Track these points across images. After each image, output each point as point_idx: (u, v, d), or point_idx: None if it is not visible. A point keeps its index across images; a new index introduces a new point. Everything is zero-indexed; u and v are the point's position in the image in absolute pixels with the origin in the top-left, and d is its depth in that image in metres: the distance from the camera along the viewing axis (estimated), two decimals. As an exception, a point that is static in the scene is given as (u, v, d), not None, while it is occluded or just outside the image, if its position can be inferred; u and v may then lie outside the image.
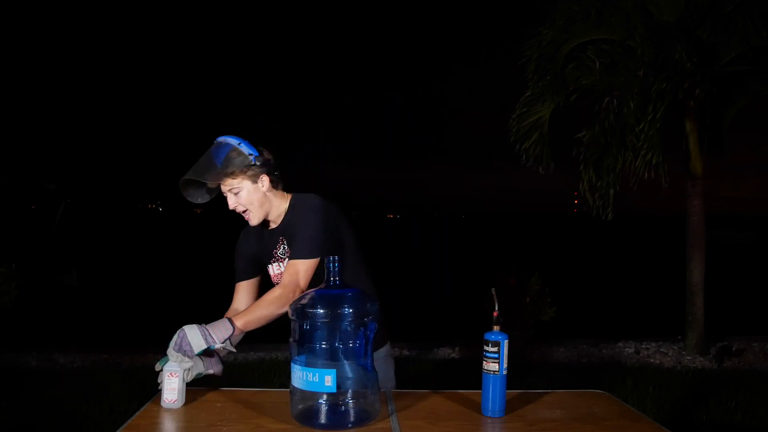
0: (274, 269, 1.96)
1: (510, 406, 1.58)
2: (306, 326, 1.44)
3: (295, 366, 1.46)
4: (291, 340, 1.48)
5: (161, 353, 1.63)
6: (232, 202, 1.85)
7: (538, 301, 5.54)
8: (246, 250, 2.01)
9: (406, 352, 5.30)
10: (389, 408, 1.61)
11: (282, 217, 1.93)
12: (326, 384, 1.41)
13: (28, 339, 5.40)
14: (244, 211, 1.87)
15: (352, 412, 1.45)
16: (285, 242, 1.91)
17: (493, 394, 1.54)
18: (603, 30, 5.35)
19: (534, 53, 5.51)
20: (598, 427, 1.52)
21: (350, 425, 1.45)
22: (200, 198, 1.89)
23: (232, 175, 1.81)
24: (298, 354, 1.46)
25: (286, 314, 1.58)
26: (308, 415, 1.45)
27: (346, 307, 1.45)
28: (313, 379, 1.42)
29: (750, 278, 14.43)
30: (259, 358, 4.96)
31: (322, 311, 1.44)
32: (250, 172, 1.83)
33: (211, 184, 1.85)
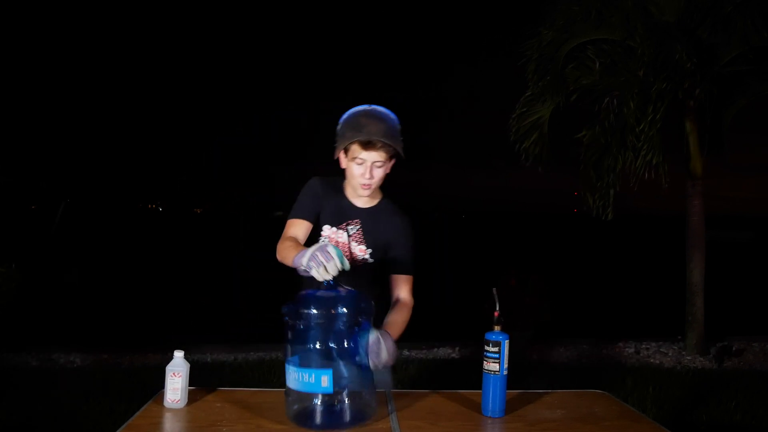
0: (328, 231, 1.91)
1: (510, 406, 1.58)
2: (300, 327, 1.44)
3: (290, 367, 1.45)
4: (285, 340, 1.48)
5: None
6: (368, 174, 1.80)
7: (538, 301, 5.54)
8: (320, 194, 1.93)
9: (406, 352, 5.29)
10: (389, 408, 1.61)
11: (371, 205, 1.93)
12: (323, 385, 1.41)
13: (28, 339, 5.40)
14: (367, 184, 1.82)
15: (348, 411, 1.45)
16: (360, 226, 1.91)
17: (493, 394, 1.55)
18: (603, 30, 5.34)
19: (534, 53, 5.51)
20: (598, 427, 1.52)
21: (347, 425, 1.45)
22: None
23: (393, 148, 1.79)
24: (292, 354, 1.46)
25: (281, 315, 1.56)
26: (305, 416, 1.45)
27: (340, 307, 1.44)
28: (309, 380, 1.41)
29: (750, 278, 14.43)
30: (259, 358, 4.96)
31: (316, 312, 1.43)
32: (396, 154, 1.83)
33: (375, 150, 1.77)
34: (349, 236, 1.92)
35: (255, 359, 4.95)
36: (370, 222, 1.91)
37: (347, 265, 1.51)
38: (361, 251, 1.91)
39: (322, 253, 1.48)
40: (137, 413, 1.55)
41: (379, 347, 1.48)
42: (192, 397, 1.64)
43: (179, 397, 1.59)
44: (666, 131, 5.12)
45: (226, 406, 1.62)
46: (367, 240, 1.91)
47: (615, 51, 5.33)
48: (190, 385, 1.63)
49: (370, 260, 1.92)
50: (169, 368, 1.60)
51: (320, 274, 1.47)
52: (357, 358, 1.46)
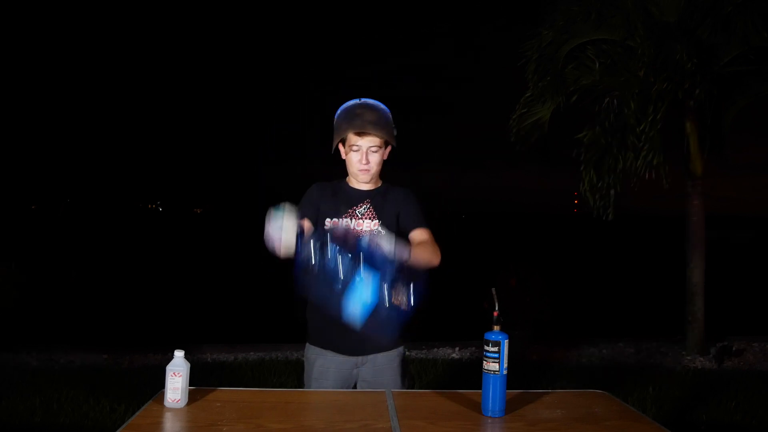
0: (330, 223, 2.04)
1: (510, 406, 1.58)
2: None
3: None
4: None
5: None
6: (364, 159, 1.99)
7: (538, 301, 5.55)
8: (315, 197, 2.08)
9: (406, 352, 5.29)
10: (389, 408, 1.61)
11: (375, 187, 2.09)
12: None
13: (28, 339, 5.40)
14: (365, 169, 2.00)
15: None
16: (370, 204, 2.05)
17: (493, 394, 1.55)
18: (603, 30, 5.34)
19: (534, 54, 5.51)
20: (598, 427, 1.52)
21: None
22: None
23: (385, 134, 1.99)
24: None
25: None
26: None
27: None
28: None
29: (750, 278, 14.42)
30: (259, 358, 4.96)
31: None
32: (389, 140, 2.02)
33: (368, 136, 1.98)
34: (359, 217, 2.04)
35: (255, 359, 4.95)
36: (378, 198, 2.06)
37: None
38: (375, 225, 2.03)
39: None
40: (137, 413, 1.55)
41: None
42: (192, 397, 1.64)
43: (179, 397, 1.59)
44: (666, 131, 5.12)
45: (226, 406, 1.62)
46: (378, 214, 2.04)
47: (615, 51, 5.32)
48: (190, 385, 1.63)
49: (383, 232, 2.03)
50: (169, 368, 1.60)
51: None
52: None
